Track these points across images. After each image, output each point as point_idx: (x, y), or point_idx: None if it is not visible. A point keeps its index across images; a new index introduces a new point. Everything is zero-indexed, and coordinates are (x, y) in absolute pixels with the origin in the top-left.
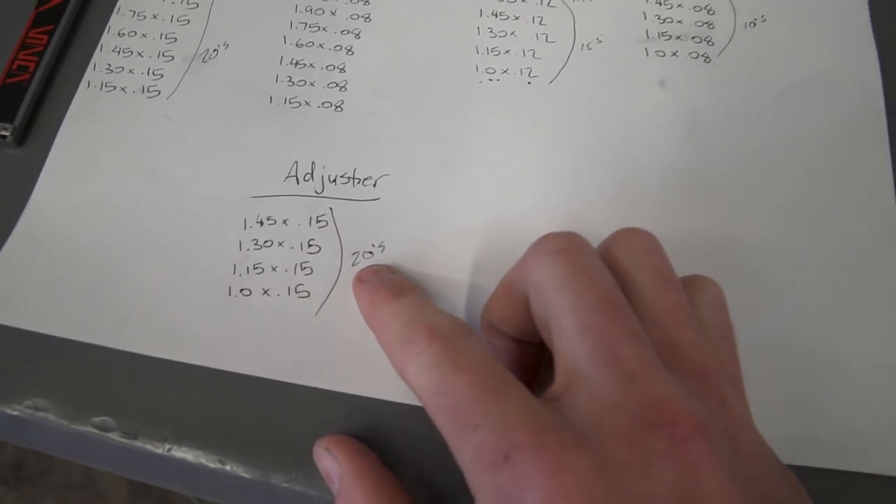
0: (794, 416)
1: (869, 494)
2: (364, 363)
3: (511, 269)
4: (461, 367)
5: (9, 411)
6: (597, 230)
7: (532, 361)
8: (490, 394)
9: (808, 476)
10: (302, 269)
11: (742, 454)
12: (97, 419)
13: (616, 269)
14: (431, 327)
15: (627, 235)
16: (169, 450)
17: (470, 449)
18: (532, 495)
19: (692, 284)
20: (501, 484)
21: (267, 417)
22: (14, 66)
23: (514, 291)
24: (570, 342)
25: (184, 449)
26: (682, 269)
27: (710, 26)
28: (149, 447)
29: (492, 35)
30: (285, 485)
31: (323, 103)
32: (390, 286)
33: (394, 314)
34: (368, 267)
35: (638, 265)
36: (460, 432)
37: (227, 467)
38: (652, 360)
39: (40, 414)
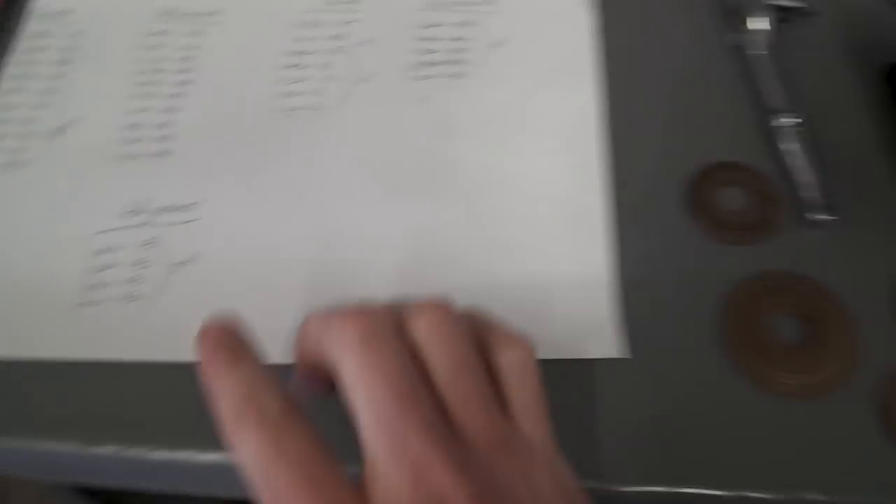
0: (533, 325)
1: (586, 374)
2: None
3: (304, 337)
4: (283, 457)
5: None
6: (375, 215)
7: None
8: (305, 486)
9: (544, 366)
10: (137, 280)
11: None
12: None
13: (416, 352)
14: (260, 412)
15: (423, 316)
16: None
17: None
18: None
19: (503, 345)
20: None
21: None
22: None
23: (315, 363)
24: (368, 434)
25: None
26: (444, 229)
27: (463, 51)
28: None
29: (288, 82)
30: None
31: (154, 152)
32: (228, 349)
33: (228, 390)
34: (212, 320)
35: (435, 351)
36: None
37: None
38: (439, 446)
39: None
